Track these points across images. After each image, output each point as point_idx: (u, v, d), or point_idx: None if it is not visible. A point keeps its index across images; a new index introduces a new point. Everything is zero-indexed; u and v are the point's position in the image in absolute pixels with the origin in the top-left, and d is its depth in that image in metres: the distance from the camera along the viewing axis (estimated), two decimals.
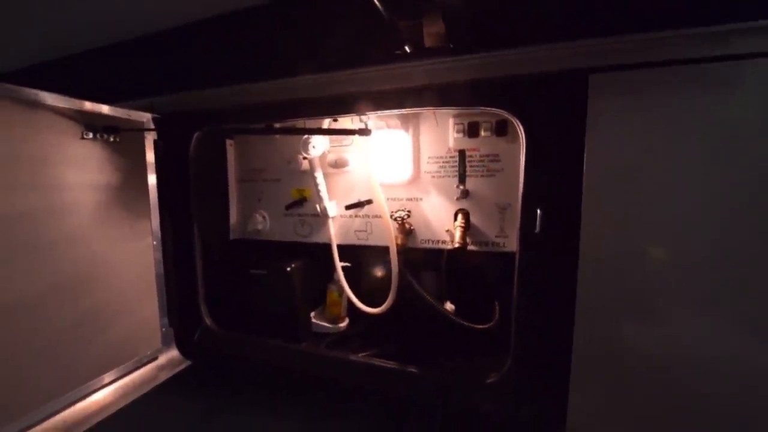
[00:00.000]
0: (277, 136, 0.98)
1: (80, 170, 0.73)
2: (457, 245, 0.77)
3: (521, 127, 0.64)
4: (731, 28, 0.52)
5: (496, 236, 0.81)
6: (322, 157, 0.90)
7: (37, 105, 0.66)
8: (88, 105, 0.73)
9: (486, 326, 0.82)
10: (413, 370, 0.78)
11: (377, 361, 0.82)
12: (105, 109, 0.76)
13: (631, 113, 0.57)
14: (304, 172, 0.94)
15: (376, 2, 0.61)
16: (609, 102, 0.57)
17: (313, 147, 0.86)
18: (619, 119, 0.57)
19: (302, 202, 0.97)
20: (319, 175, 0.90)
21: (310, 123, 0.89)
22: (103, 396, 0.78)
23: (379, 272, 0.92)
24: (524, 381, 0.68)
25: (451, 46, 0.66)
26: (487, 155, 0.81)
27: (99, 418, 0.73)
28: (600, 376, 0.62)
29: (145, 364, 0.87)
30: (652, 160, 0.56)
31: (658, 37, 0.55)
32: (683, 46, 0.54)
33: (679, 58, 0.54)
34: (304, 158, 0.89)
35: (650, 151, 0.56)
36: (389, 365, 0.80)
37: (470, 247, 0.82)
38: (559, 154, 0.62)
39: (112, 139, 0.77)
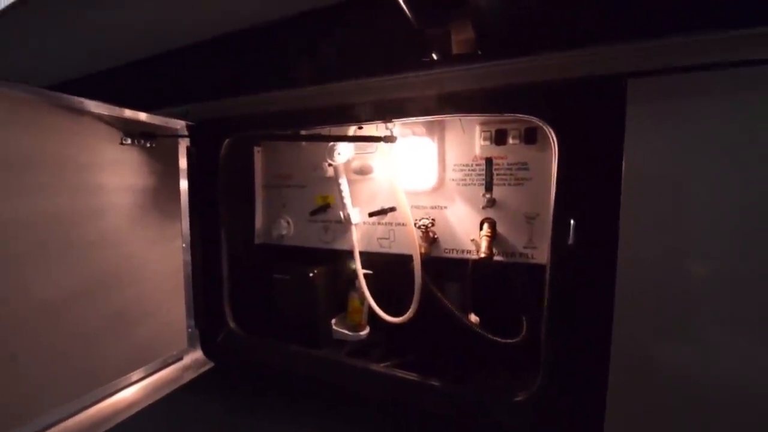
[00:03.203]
0: (303, 143, 0.99)
1: (118, 174, 0.76)
2: (482, 255, 0.75)
3: (553, 134, 0.61)
4: None
5: (524, 247, 0.79)
6: (347, 163, 0.91)
7: (82, 112, 0.70)
8: (128, 112, 0.77)
9: (513, 341, 0.78)
10: (435, 383, 0.75)
11: (398, 372, 0.80)
12: (143, 116, 0.80)
13: (673, 119, 0.53)
14: (329, 178, 0.95)
15: (405, 10, 0.61)
16: (649, 108, 0.54)
17: (339, 154, 0.87)
18: (660, 126, 0.54)
19: (326, 209, 0.98)
20: (343, 182, 0.90)
21: (336, 130, 0.90)
22: (130, 394, 0.80)
23: (401, 281, 0.90)
24: (556, 401, 0.64)
25: (480, 52, 0.65)
26: (515, 163, 0.79)
27: (124, 416, 0.75)
28: (639, 398, 0.57)
29: (170, 364, 0.88)
30: (695, 169, 0.53)
31: (701, 40, 0.52)
32: (728, 48, 0.51)
33: (724, 61, 0.51)
34: (329, 165, 0.90)
35: (694, 160, 0.53)
36: (410, 377, 0.78)
37: (496, 258, 0.79)
38: (594, 163, 0.59)
39: (148, 145, 0.81)
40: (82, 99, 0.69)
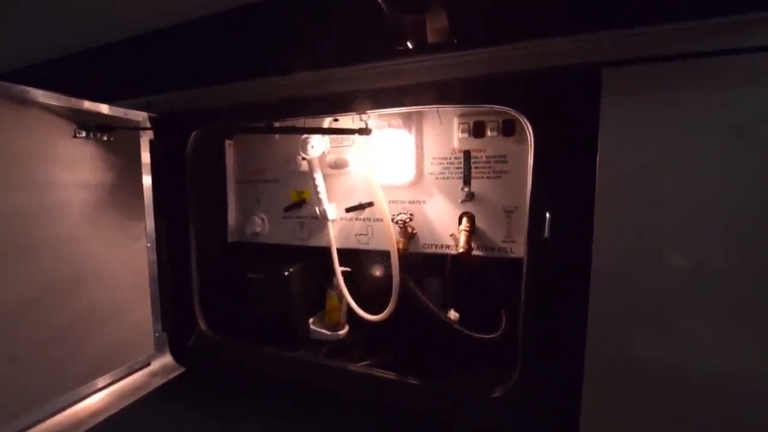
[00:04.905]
0: (277, 136, 0.95)
1: (72, 169, 0.71)
2: (461, 250, 0.74)
3: (529, 125, 0.60)
4: (754, 18, 0.48)
5: (502, 241, 0.78)
6: (322, 157, 0.88)
7: (28, 102, 0.65)
8: (83, 103, 0.72)
9: (491, 336, 0.78)
10: (414, 381, 0.74)
11: (377, 372, 0.78)
12: (100, 107, 0.75)
13: (647, 110, 0.53)
14: (303, 173, 0.91)
15: None
16: (624, 98, 0.54)
17: (312, 147, 0.83)
18: (634, 116, 0.53)
19: (301, 204, 0.94)
20: (318, 177, 0.87)
21: (310, 122, 0.86)
22: (93, 402, 0.75)
23: (380, 277, 0.88)
24: (532, 395, 0.64)
25: (455, 41, 0.63)
26: (494, 156, 0.77)
27: (88, 426, 0.70)
28: (614, 391, 0.57)
29: (136, 371, 0.84)
30: (670, 160, 0.52)
31: (676, 29, 0.51)
32: (703, 38, 0.50)
33: (699, 50, 0.50)
34: (303, 159, 0.87)
35: (668, 151, 0.52)
36: (389, 376, 0.76)
37: (475, 252, 0.78)
38: (569, 154, 0.58)
39: (105, 138, 0.75)
40: (28, 88, 0.64)
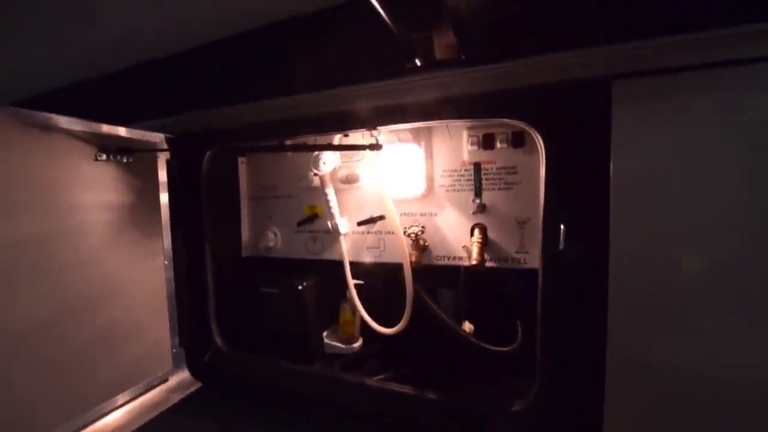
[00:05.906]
0: (288, 153, 0.97)
1: (93, 192, 0.73)
2: (474, 262, 0.74)
3: (540, 138, 0.61)
4: (762, 28, 0.48)
5: (516, 252, 0.77)
6: (333, 172, 0.89)
7: (52, 128, 0.67)
8: (103, 127, 0.74)
9: (508, 348, 0.77)
10: (430, 395, 0.73)
11: (392, 385, 0.78)
12: (119, 130, 0.77)
13: (658, 120, 0.53)
14: (315, 188, 0.93)
15: (385, 16, 0.60)
16: (635, 109, 0.54)
17: (324, 163, 0.85)
18: (646, 127, 0.53)
19: (313, 219, 0.95)
20: (330, 192, 0.88)
21: (321, 139, 0.88)
22: (114, 419, 0.76)
23: (393, 290, 0.88)
24: (553, 408, 0.63)
25: (463, 57, 0.64)
26: (504, 167, 0.78)
27: None
28: (637, 401, 0.56)
29: (155, 386, 0.85)
30: (683, 169, 0.52)
31: (684, 40, 0.51)
32: (712, 48, 0.50)
33: (708, 61, 0.51)
34: (315, 174, 0.88)
35: (681, 159, 0.52)
36: (405, 390, 0.76)
37: (488, 264, 0.78)
38: (582, 166, 0.58)
39: (125, 160, 0.78)
40: (51, 115, 0.66)
